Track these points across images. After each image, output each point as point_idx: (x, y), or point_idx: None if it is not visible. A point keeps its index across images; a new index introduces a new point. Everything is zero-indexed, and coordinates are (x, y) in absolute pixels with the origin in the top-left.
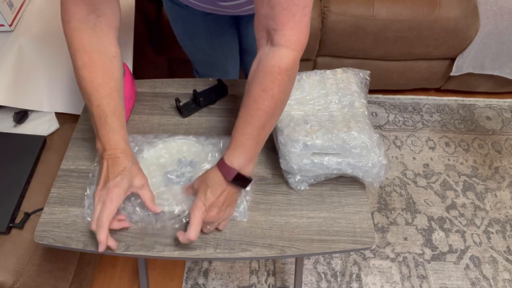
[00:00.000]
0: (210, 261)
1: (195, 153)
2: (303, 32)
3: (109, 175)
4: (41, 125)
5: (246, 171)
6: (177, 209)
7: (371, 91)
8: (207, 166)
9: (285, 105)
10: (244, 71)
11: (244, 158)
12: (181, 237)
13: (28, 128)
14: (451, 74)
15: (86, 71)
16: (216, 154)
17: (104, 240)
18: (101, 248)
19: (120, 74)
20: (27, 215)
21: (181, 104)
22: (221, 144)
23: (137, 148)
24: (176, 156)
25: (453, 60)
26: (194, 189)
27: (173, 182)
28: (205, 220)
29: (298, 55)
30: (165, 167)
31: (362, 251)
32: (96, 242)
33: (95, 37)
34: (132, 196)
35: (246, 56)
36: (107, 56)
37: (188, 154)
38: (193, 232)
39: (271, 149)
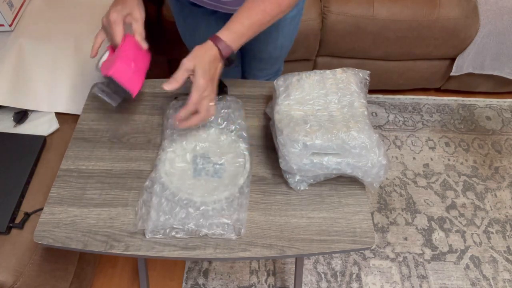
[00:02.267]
0: (210, 261)
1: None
2: None
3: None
4: (41, 125)
5: (234, 53)
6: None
7: (371, 91)
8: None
9: (279, 17)
10: (243, 73)
11: (237, 43)
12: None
13: (28, 128)
14: (451, 74)
15: None
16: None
17: (121, 31)
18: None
19: None
20: (27, 215)
21: (180, 103)
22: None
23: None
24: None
25: (453, 60)
26: (188, 69)
27: (200, 174)
28: (203, 95)
29: None
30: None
31: (362, 251)
32: (96, 242)
33: None
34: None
35: (246, 57)
36: None
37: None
38: (185, 110)
39: (271, 149)
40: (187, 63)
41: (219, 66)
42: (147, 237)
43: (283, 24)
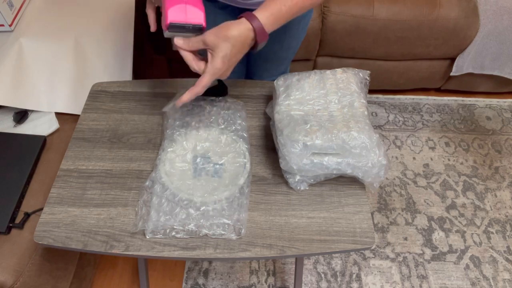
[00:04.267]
0: (210, 261)
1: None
2: None
3: None
4: (41, 125)
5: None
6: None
7: (371, 91)
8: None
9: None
10: (248, 73)
11: (274, 27)
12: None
13: (28, 128)
14: (451, 74)
15: None
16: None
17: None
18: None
19: None
20: (27, 215)
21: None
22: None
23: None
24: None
25: (453, 60)
26: (207, 44)
27: (201, 174)
28: (214, 78)
29: None
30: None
31: (362, 251)
32: (96, 242)
33: None
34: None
35: (251, 56)
36: None
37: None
38: (189, 93)
39: (271, 149)
40: (208, 38)
41: (245, 51)
42: (148, 237)
43: (291, 25)
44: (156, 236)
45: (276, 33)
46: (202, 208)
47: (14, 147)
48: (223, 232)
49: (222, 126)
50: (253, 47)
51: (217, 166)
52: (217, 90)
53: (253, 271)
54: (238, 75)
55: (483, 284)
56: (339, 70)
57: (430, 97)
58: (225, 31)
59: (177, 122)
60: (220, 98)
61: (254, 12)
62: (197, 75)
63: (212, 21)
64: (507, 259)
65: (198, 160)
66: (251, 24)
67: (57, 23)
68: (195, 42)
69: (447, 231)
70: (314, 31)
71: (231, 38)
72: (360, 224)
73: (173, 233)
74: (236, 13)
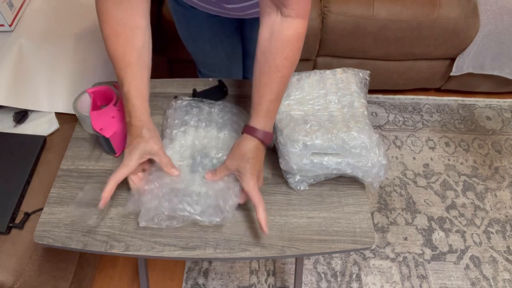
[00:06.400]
0: (210, 261)
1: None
2: (308, 1)
3: (127, 142)
4: (41, 125)
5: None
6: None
7: (371, 91)
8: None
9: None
10: (245, 74)
11: (271, 121)
12: (264, 227)
13: (28, 128)
14: (451, 74)
15: (109, 42)
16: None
17: (105, 196)
18: (101, 203)
19: (143, 44)
20: (27, 215)
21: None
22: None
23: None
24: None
25: (453, 60)
26: (228, 170)
27: (198, 170)
28: (257, 189)
29: (307, 22)
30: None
31: (362, 251)
32: (96, 242)
33: (121, 9)
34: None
35: (248, 60)
36: (130, 27)
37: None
38: (263, 214)
39: (271, 149)
40: (229, 164)
41: (263, 155)
42: (141, 225)
43: None
44: (149, 225)
45: None
46: (195, 196)
47: (14, 147)
48: (216, 219)
49: (221, 123)
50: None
51: (215, 160)
52: (218, 90)
53: (253, 271)
54: (235, 77)
55: (483, 284)
56: (339, 70)
57: (430, 97)
58: (238, 151)
59: (176, 121)
60: (219, 102)
61: (251, 124)
62: (194, 75)
63: (209, 27)
64: (507, 259)
65: (196, 155)
66: (256, 137)
67: (57, 23)
68: (221, 172)
69: (447, 231)
70: (314, 31)
71: (247, 153)
72: (360, 224)
73: (167, 222)
74: (231, 21)
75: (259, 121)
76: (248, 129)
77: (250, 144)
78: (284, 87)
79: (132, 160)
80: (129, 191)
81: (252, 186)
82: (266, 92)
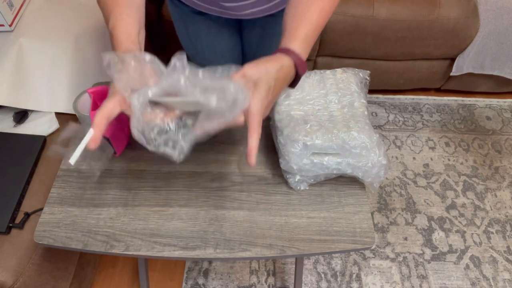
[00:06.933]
0: (210, 261)
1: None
2: None
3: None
4: (41, 125)
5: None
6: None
7: (371, 91)
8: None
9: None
10: None
11: (308, 49)
12: (251, 157)
13: (28, 128)
14: (451, 74)
15: None
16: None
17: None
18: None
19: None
20: (27, 215)
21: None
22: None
23: None
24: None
25: (453, 60)
26: (248, 78)
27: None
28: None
29: None
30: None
31: (362, 251)
32: (96, 242)
33: None
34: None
35: (246, 57)
36: None
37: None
38: (255, 142)
39: (271, 149)
40: (249, 71)
41: (285, 87)
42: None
43: None
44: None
45: (274, 37)
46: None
47: (14, 147)
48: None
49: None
50: (292, 82)
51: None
52: None
53: (253, 271)
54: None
55: (483, 284)
56: (339, 70)
57: (430, 97)
58: (266, 63)
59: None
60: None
61: (285, 45)
62: None
63: (207, 33)
64: (507, 259)
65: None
66: (291, 58)
67: (57, 23)
68: (238, 77)
69: (447, 231)
70: None
71: (274, 71)
72: (360, 224)
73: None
74: (229, 24)
75: (296, 45)
76: (282, 50)
77: (282, 64)
78: (323, 21)
79: (115, 87)
80: (123, 191)
81: (257, 110)
82: (304, 21)
